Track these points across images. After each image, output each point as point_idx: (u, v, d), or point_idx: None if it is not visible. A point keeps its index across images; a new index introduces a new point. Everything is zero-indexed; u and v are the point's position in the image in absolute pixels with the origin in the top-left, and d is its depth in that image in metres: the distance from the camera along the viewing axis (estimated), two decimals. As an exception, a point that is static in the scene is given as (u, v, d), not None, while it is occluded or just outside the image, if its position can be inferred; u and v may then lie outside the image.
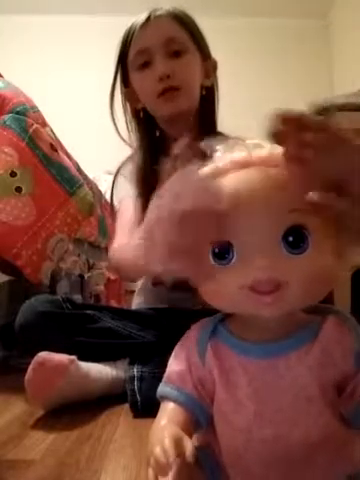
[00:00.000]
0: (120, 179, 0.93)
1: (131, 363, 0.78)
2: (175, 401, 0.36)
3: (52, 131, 1.17)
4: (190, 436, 0.32)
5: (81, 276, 1.33)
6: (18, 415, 0.70)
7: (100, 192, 1.46)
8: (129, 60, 0.87)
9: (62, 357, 0.70)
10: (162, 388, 0.38)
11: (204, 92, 0.89)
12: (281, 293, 0.30)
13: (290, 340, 0.33)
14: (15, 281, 1.08)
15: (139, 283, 1.00)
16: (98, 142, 2.26)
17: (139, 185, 0.86)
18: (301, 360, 0.33)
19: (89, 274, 1.38)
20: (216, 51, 0.93)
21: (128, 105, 0.92)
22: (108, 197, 0.99)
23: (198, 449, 0.33)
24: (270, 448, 0.33)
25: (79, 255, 1.29)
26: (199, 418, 0.36)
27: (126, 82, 0.91)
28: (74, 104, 2.74)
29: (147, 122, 0.91)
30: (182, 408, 0.36)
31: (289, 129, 0.30)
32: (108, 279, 1.52)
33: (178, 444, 0.30)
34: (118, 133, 0.91)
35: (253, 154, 0.33)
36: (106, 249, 1.46)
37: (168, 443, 0.30)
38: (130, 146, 0.93)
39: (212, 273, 0.33)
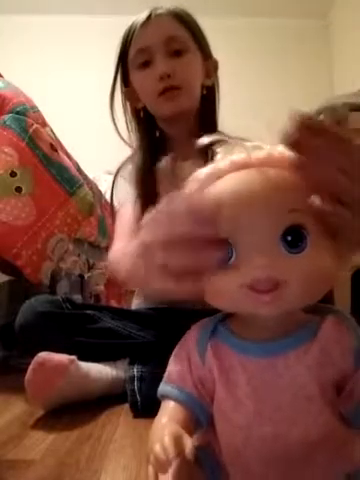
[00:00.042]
0: (120, 180, 0.92)
1: (131, 363, 0.78)
2: (175, 400, 0.36)
3: (52, 131, 1.17)
4: (190, 435, 0.32)
5: (81, 276, 1.33)
6: (18, 415, 0.70)
7: (100, 192, 1.46)
8: (129, 59, 0.86)
9: (62, 357, 0.70)
10: (162, 387, 0.38)
11: (205, 92, 0.88)
12: (280, 292, 0.30)
13: (289, 339, 0.34)
14: (15, 281, 1.09)
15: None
16: (98, 142, 2.26)
17: (138, 186, 0.85)
18: (300, 359, 0.33)
19: (89, 274, 1.38)
20: (216, 51, 0.92)
21: (128, 104, 0.92)
22: (108, 197, 0.98)
23: (198, 448, 0.33)
24: (269, 446, 0.33)
25: (79, 255, 1.29)
26: (199, 417, 0.36)
27: (126, 81, 0.90)
28: (74, 104, 2.74)
29: (147, 122, 0.90)
30: (182, 407, 0.36)
31: (307, 136, 0.30)
32: (108, 279, 1.52)
33: (178, 442, 0.30)
34: (118, 133, 0.91)
35: (252, 156, 0.34)
36: (106, 249, 1.46)
37: (168, 441, 0.30)
38: (130, 146, 0.93)
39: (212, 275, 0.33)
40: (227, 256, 0.32)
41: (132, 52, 0.85)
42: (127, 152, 0.95)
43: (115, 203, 0.92)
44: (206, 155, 0.38)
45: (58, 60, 2.86)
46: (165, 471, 0.30)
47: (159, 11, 0.84)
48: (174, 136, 0.90)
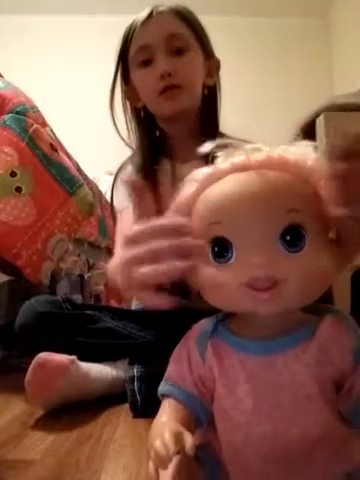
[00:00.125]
0: (119, 182, 0.92)
1: (131, 363, 0.78)
2: (176, 399, 0.37)
3: (52, 131, 1.17)
4: (191, 433, 0.32)
5: (81, 276, 1.33)
6: (18, 415, 0.70)
7: (100, 192, 1.46)
8: (130, 57, 0.85)
9: (62, 357, 0.70)
10: (163, 386, 0.39)
11: (206, 91, 0.87)
12: (278, 290, 0.31)
13: (287, 337, 0.34)
14: (15, 281, 1.09)
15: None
16: (98, 142, 2.26)
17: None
18: (298, 358, 0.33)
19: (89, 274, 1.38)
20: (216, 50, 0.92)
21: (128, 104, 0.91)
22: (108, 197, 0.98)
23: (198, 447, 0.33)
24: (269, 445, 0.33)
25: (79, 255, 1.29)
26: (199, 415, 0.36)
27: (126, 80, 0.89)
28: (74, 104, 2.74)
29: (147, 121, 0.89)
30: (182, 405, 0.36)
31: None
32: (108, 279, 1.51)
33: (178, 438, 0.30)
34: (118, 133, 0.90)
35: (252, 158, 0.34)
36: (106, 249, 1.46)
37: (168, 437, 0.30)
38: (130, 146, 0.93)
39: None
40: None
41: (133, 50, 0.84)
42: (127, 152, 0.95)
43: (115, 203, 0.92)
44: (206, 156, 0.38)
45: (58, 60, 2.86)
46: (165, 467, 0.30)
47: (160, 8, 0.83)
48: (174, 136, 0.89)
